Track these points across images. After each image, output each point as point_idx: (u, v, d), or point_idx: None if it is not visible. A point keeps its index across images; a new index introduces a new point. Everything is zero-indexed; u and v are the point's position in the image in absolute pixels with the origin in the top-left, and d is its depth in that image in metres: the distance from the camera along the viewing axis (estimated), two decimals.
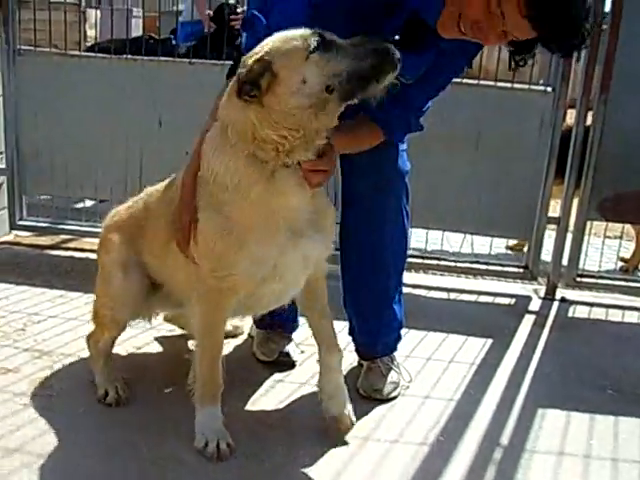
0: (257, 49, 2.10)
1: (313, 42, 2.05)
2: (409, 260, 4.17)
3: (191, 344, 2.92)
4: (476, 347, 3.33)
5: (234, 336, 3.21)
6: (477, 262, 4.31)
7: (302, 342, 3.12)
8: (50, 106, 4.13)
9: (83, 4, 6.02)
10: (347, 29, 2.15)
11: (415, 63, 2.37)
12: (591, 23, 2.17)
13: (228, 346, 3.07)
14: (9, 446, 2.33)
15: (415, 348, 3.27)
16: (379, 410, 2.73)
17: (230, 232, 2.21)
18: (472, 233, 4.34)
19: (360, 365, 2.97)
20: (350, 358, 2.97)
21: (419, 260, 4.28)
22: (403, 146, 2.74)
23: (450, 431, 2.62)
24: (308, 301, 2.55)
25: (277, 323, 3.01)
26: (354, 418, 2.56)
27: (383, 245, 2.77)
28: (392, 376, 2.87)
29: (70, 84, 4.12)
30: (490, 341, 3.39)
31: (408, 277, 4.08)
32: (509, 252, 4.81)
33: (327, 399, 2.55)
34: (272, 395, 2.79)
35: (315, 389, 2.63)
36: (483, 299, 4.01)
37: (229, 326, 3.11)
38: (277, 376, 2.93)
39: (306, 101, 2.06)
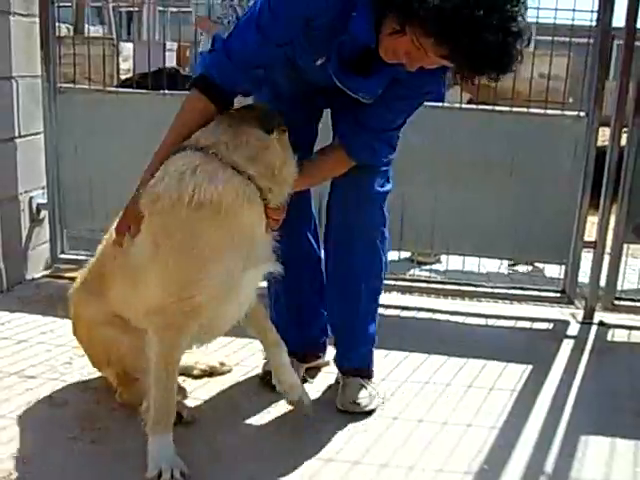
0: (259, 105, 2.66)
1: None
2: (446, 287, 4.26)
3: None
4: (516, 374, 3.32)
5: (221, 373, 3.15)
6: (514, 287, 4.31)
7: None
8: (90, 141, 4.22)
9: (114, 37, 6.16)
10: (299, 52, 2.55)
11: (366, 85, 2.57)
12: (520, 43, 2.25)
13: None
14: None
15: (455, 376, 3.27)
16: (423, 438, 2.74)
17: (192, 254, 2.31)
18: (508, 259, 4.35)
19: (337, 383, 3.06)
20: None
21: (455, 287, 4.29)
22: (385, 168, 2.86)
23: (494, 460, 2.62)
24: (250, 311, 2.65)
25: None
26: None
27: (355, 263, 2.89)
28: (368, 390, 2.94)
29: (109, 119, 4.21)
30: (530, 367, 3.39)
31: (445, 304, 4.15)
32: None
33: (288, 388, 2.75)
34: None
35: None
36: (521, 324, 4.00)
37: (215, 362, 3.15)
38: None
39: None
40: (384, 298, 4.07)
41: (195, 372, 3.10)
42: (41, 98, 4.25)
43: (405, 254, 4.68)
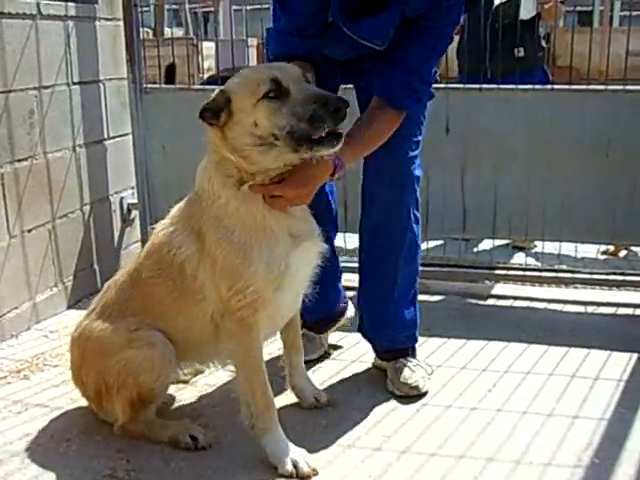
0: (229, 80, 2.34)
1: (263, 89, 2.20)
2: (542, 274, 4.13)
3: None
4: (621, 362, 3.19)
5: (185, 382, 3.04)
6: (613, 273, 4.16)
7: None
8: (177, 139, 4.24)
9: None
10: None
11: (375, 26, 2.50)
12: None
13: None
14: None
15: (558, 365, 3.16)
16: (528, 430, 2.65)
17: (232, 242, 2.32)
18: (607, 244, 4.20)
19: (379, 369, 3.10)
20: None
21: (552, 274, 4.16)
22: (414, 152, 2.82)
23: (604, 452, 2.51)
24: None
25: None
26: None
27: (392, 247, 2.90)
28: (420, 371, 2.97)
29: (194, 116, 4.22)
30: (635, 356, 3.25)
31: (542, 292, 4.03)
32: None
33: (302, 390, 2.82)
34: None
35: None
36: (622, 311, 3.85)
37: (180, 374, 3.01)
38: None
39: (256, 140, 2.23)
40: (479, 288, 4.07)
41: (182, 377, 3.02)
42: (128, 99, 4.32)
43: (500, 241, 4.55)
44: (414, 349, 3.08)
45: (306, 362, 2.93)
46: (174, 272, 2.46)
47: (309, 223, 2.50)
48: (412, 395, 2.89)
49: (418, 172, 2.86)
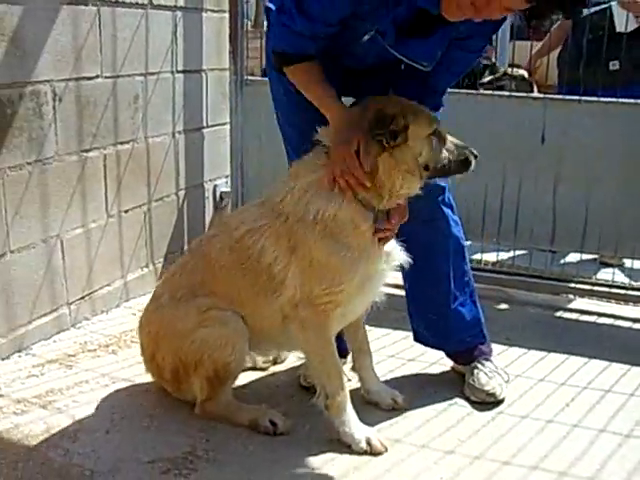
0: (396, 106, 2.43)
1: (433, 127, 2.47)
2: (629, 292, 4.06)
3: None
4: None
5: (262, 369, 3.16)
6: None
7: None
8: (273, 132, 4.26)
9: None
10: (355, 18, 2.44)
11: (425, 47, 2.53)
12: None
13: None
14: None
15: (639, 387, 3.11)
16: (605, 448, 2.62)
17: (346, 255, 2.47)
18: None
19: (457, 373, 3.12)
20: None
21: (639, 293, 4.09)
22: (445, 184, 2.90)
23: None
24: None
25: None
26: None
27: (437, 256, 2.94)
28: (496, 377, 2.97)
29: None
30: None
31: (627, 310, 3.95)
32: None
33: (377, 392, 2.86)
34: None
35: None
36: None
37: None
38: None
39: (414, 168, 2.46)
40: (562, 301, 4.02)
41: (260, 365, 3.15)
42: (228, 90, 4.42)
43: (588, 256, 4.48)
44: (489, 351, 3.08)
45: None
46: (257, 269, 2.56)
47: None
48: (488, 402, 2.90)
49: (451, 201, 2.95)
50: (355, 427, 2.56)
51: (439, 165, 2.50)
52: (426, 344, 3.13)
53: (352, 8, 2.39)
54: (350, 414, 2.57)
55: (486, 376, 2.96)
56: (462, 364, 3.07)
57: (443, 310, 2.98)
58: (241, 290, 2.62)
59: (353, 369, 2.92)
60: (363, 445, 2.54)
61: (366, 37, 2.51)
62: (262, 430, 2.62)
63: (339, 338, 2.80)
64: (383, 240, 2.55)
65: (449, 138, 2.54)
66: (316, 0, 2.39)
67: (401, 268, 2.79)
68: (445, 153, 2.51)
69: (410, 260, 2.68)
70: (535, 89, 6.06)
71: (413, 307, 3.08)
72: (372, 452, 2.53)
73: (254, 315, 2.64)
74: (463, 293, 3.01)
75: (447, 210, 2.93)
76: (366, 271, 2.52)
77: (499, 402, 2.92)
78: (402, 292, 3.11)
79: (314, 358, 2.60)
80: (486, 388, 2.92)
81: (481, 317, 3.06)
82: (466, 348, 3.04)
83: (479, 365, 3.00)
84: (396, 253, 2.65)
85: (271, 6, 2.56)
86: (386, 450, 2.55)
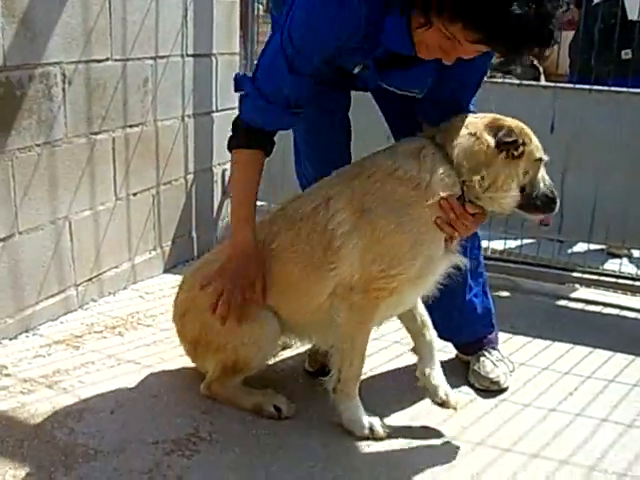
0: (514, 122, 2.49)
1: (541, 154, 2.51)
2: (635, 283, 4.05)
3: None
4: None
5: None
6: None
7: None
8: None
9: None
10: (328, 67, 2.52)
11: (409, 77, 2.52)
12: (557, 9, 2.13)
13: None
14: None
15: None
16: (606, 438, 2.64)
17: (412, 230, 2.41)
18: None
19: (462, 361, 3.13)
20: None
21: None
22: None
23: None
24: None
25: None
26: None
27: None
28: (502, 366, 2.99)
29: None
30: None
31: (634, 301, 3.95)
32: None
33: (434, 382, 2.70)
34: None
35: None
36: None
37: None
38: None
39: (517, 184, 2.46)
40: (569, 291, 4.02)
41: None
42: None
43: (595, 246, 4.47)
44: (496, 340, 3.10)
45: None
46: (319, 239, 2.50)
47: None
48: (492, 390, 2.92)
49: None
50: (359, 414, 2.57)
51: (533, 193, 2.49)
52: (439, 336, 3.02)
53: (336, 43, 2.38)
54: (355, 401, 2.58)
55: (492, 364, 2.97)
56: (469, 354, 3.08)
57: (458, 301, 2.97)
58: (290, 273, 2.58)
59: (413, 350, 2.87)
60: (366, 431, 2.55)
61: (357, 70, 2.55)
62: (266, 415, 2.63)
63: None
64: (450, 236, 2.48)
65: (548, 179, 2.55)
66: (300, 55, 2.38)
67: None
68: (541, 183, 2.51)
69: (467, 263, 2.65)
70: (542, 78, 6.04)
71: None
72: (374, 437, 2.55)
73: (297, 305, 2.61)
74: (477, 284, 3.02)
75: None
76: (427, 257, 2.45)
77: (503, 390, 2.93)
78: None
79: (346, 341, 2.55)
80: (491, 376, 2.93)
81: (492, 307, 3.07)
82: (476, 339, 3.06)
83: (486, 353, 3.02)
84: (455, 252, 2.58)
85: (247, 74, 2.60)
86: (388, 437, 2.57)
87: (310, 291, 2.56)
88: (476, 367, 2.98)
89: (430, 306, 2.90)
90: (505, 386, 2.94)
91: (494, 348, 3.07)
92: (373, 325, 2.60)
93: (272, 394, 2.71)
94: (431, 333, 2.74)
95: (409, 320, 2.76)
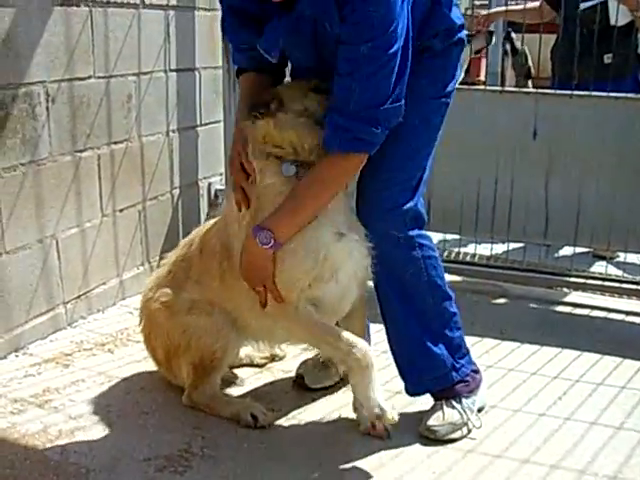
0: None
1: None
2: (622, 286, 4.09)
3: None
4: None
5: (260, 366, 3.18)
6: None
7: None
8: None
9: None
10: None
11: (266, 33, 2.38)
12: None
13: None
14: None
15: (631, 379, 3.13)
16: (596, 441, 2.64)
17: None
18: None
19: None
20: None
21: (633, 286, 4.11)
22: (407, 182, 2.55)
23: None
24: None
25: None
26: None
27: (406, 294, 2.61)
28: (453, 416, 2.64)
29: None
30: None
31: (621, 303, 3.98)
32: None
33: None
34: None
35: None
36: None
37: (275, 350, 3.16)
38: None
39: None
40: (556, 295, 4.04)
41: (257, 361, 3.18)
42: (222, 88, 4.43)
43: (581, 249, 4.50)
44: (459, 392, 2.70)
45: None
46: (225, 250, 2.61)
47: (353, 222, 2.53)
48: (426, 436, 2.64)
49: (409, 204, 2.54)
50: (374, 397, 2.54)
51: None
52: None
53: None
54: (372, 375, 2.52)
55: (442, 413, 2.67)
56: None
57: (415, 349, 2.68)
58: (217, 277, 2.67)
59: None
60: (376, 410, 2.55)
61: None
62: (243, 423, 2.66)
63: None
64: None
65: None
66: None
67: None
68: None
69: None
70: (530, 83, 6.08)
71: (390, 341, 2.79)
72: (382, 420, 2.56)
73: (235, 305, 2.67)
74: (438, 332, 2.67)
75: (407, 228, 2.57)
76: (311, 250, 2.41)
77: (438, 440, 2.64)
78: None
79: (307, 340, 2.63)
80: (430, 423, 2.65)
81: (451, 358, 2.69)
82: (422, 391, 2.76)
83: (443, 402, 2.70)
84: (353, 234, 2.49)
85: None
86: (389, 436, 2.59)
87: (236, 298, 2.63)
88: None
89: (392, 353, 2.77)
90: (443, 438, 2.63)
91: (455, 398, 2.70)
92: (305, 314, 2.50)
93: (250, 403, 2.74)
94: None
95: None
